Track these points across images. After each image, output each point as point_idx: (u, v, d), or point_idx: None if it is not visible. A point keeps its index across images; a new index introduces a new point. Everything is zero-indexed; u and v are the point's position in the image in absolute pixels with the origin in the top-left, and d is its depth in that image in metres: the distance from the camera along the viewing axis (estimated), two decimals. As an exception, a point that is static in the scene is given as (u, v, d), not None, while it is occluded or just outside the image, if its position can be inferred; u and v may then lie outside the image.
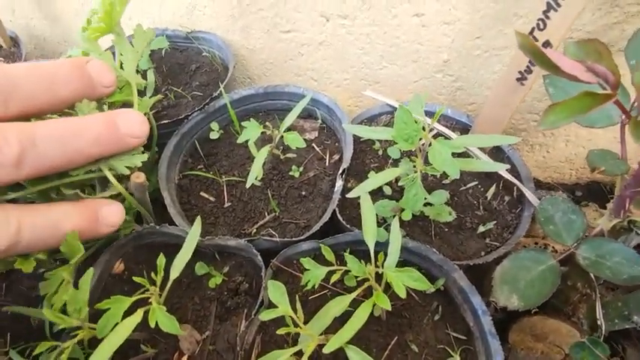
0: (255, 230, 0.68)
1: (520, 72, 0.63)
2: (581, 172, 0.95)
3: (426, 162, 0.56)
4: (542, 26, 0.57)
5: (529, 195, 0.66)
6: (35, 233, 0.31)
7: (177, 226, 0.66)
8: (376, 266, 0.49)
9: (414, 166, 0.58)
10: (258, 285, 0.63)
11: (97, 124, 0.32)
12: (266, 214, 0.70)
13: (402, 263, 0.56)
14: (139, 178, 0.54)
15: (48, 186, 0.46)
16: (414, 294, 0.60)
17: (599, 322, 0.61)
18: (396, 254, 0.49)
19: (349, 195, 0.59)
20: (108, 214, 0.39)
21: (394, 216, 0.63)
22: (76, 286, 0.49)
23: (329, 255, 0.53)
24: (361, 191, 0.58)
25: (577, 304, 0.70)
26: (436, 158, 0.53)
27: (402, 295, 0.45)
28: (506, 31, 0.72)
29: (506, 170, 0.71)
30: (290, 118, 0.69)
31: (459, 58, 0.80)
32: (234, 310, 0.62)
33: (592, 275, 0.62)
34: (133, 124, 0.35)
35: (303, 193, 0.72)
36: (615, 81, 0.40)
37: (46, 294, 0.49)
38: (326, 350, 0.44)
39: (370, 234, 0.52)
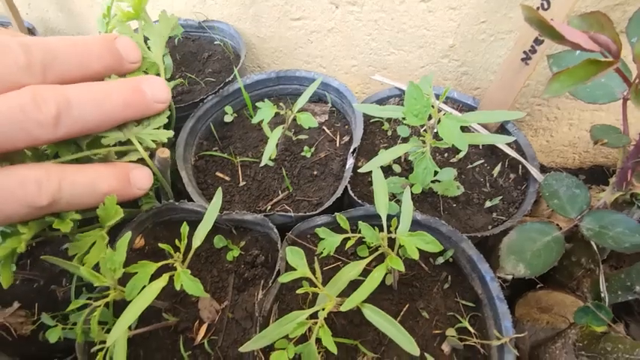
0: (269, 207, 0.71)
1: (525, 52, 0.66)
2: (584, 156, 0.97)
3: (435, 138, 0.59)
4: (546, 6, 0.60)
5: (534, 172, 0.69)
6: (75, 191, 0.32)
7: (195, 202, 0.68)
8: (389, 232, 0.52)
9: (424, 142, 0.60)
10: (273, 258, 0.65)
11: (126, 88, 0.34)
12: (280, 192, 0.73)
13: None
14: (164, 153, 0.57)
15: (78, 156, 0.49)
16: (423, 265, 0.63)
17: (602, 295, 0.64)
18: (408, 220, 0.51)
19: (361, 170, 0.61)
20: (139, 177, 0.40)
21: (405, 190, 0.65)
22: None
23: (344, 223, 0.55)
24: (373, 166, 0.60)
25: (581, 279, 0.72)
26: (445, 132, 0.56)
27: (415, 256, 0.48)
28: (511, 15, 0.74)
29: (512, 149, 0.73)
30: (302, 100, 0.71)
31: (464, 43, 0.82)
32: (252, 281, 0.65)
33: (596, 249, 0.64)
34: (157, 89, 0.37)
35: (315, 172, 0.75)
36: (617, 49, 0.42)
37: (75, 254, 0.52)
38: (343, 308, 0.47)
39: (382, 204, 0.55)
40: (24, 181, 0.29)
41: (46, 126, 0.27)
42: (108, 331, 0.55)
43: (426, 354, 0.55)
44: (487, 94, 0.75)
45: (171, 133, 0.53)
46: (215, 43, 0.98)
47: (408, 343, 0.43)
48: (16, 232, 0.49)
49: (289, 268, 0.52)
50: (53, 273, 0.71)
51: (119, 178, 0.36)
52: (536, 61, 0.65)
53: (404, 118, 0.59)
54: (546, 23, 0.41)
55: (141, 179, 0.40)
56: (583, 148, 0.95)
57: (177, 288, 0.50)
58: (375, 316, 0.47)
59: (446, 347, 0.56)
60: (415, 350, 0.43)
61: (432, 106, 0.58)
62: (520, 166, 0.72)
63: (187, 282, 0.50)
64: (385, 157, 0.61)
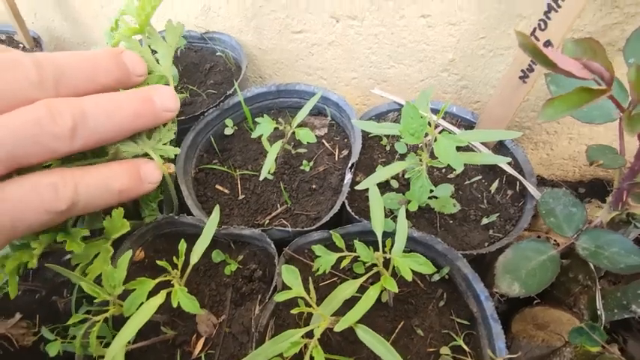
0: (267, 221, 0.71)
1: (523, 70, 0.66)
2: (584, 169, 0.97)
3: (432, 156, 0.59)
4: (543, 26, 0.60)
5: (531, 189, 0.69)
6: (90, 194, 0.31)
7: (194, 216, 0.69)
8: (384, 252, 0.52)
9: (420, 160, 0.61)
10: (271, 272, 0.66)
11: (136, 98, 0.34)
12: (278, 205, 0.73)
13: (408, 253, 0.59)
14: (170, 168, 0.58)
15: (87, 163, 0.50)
16: (419, 282, 0.63)
17: (599, 312, 0.64)
18: (403, 240, 0.52)
19: (358, 187, 0.62)
20: (148, 172, 0.40)
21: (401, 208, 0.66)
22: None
23: (339, 242, 0.56)
24: (369, 183, 0.61)
25: (578, 296, 0.72)
26: (441, 152, 0.56)
27: (409, 277, 0.48)
28: (510, 32, 0.74)
29: (510, 166, 0.74)
30: (301, 115, 0.72)
31: (464, 58, 0.83)
32: (249, 295, 0.65)
33: (592, 267, 0.64)
34: (166, 98, 0.37)
35: (314, 186, 0.75)
36: (609, 77, 0.42)
37: (78, 264, 0.53)
38: (337, 328, 0.47)
39: (378, 222, 0.55)
40: (40, 188, 0.28)
41: (62, 139, 0.27)
42: (107, 345, 0.56)
43: (420, 372, 0.56)
44: (486, 110, 0.76)
45: (177, 150, 0.54)
46: (217, 54, 0.99)
47: None
48: (26, 244, 0.50)
49: (286, 285, 0.53)
50: (55, 284, 0.72)
51: (131, 174, 0.36)
52: (534, 79, 0.65)
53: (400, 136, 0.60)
54: (539, 51, 0.41)
55: (151, 173, 0.40)
56: (583, 161, 0.95)
57: (175, 305, 0.51)
58: (368, 336, 0.47)
59: (440, 365, 0.57)
60: None
61: (429, 124, 0.58)
62: (518, 183, 0.72)
63: (184, 300, 0.51)
64: (382, 174, 0.62)
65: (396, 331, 0.59)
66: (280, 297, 0.51)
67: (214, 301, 0.65)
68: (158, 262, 0.54)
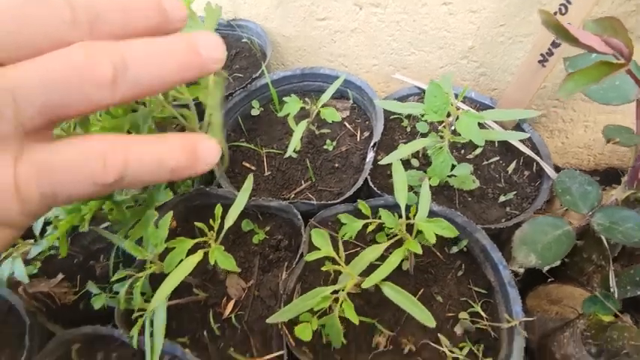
0: (293, 196, 0.75)
1: (542, 54, 0.69)
2: (599, 158, 0.99)
3: (453, 134, 0.62)
4: (564, 11, 0.63)
5: (548, 169, 0.72)
6: (141, 169, 0.27)
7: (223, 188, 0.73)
8: (407, 218, 0.56)
9: (442, 137, 0.64)
10: (296, 242, 0.70)
11: (180, 47, 0.29)
12: (302, 182, 0.77)
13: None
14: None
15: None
16: (438, 253, 0.66)
17: (611, 289, 0.66)
18: (426, 208, 0.55)
19: (382, 162, 0.65)
20: (206, 152, 0.34)
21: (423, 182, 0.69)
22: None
23: (365, 209, 0.59)
24: (393, 158, 0.64)
25: (591, 275, 0.74)
26: (463, 128, 0.59)
27: (432, 240, 0.51)
28: (530, 19, 0.77)
29: (527, 147, 0.76)
30: (326, 96, 0.76)
31: (483, 45, 0.85)
32: (276, 263, 0.69)
33: (606, 245, 0.67)
34: (213, 48, 0.31)
35: (336, 165, 0.79)
36: (628, 52, 0.45)
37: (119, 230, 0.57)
38: (365, 285, 0.51)
39: (402, 193, 0.59)
40: (88, 156, 0.25)
41: (103, 88, 0.24)
42: (146, 300, 0.60)
43: (439, 335, 0.59)
44: (504, 95, 0.78)
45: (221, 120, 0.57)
46: (242, 40, 1.03)
47: (425, 316, 0.47)
48: (77, 208, 0.54)
49: (312, 250, 0.57)
50: (91, 250, 0.76)
51: (188, 152, 0.31)
52: (553, 63, 0.68)
53: (423, 115, 0.63)
54: (562, 27, 0.44)
55: (209, 154, 0.33)
56: (598, 150, 0.97)
57: (212, 262, 0.55)
58: (394, 293, 0.50)
59: (458, 329, 0.60)
60: (432, 322, 0.47)
61: (451, 104, 0.61)
62: (534, 164, 0.75)
63: (220, 257, 0.55)
64: (405, 150, 0.65)
65: (417, 297, 0.62)
66: (310, 257, 0.54)
67: (243, 268, 0.69)
68: (196, 223, 0.58)
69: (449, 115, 0.62)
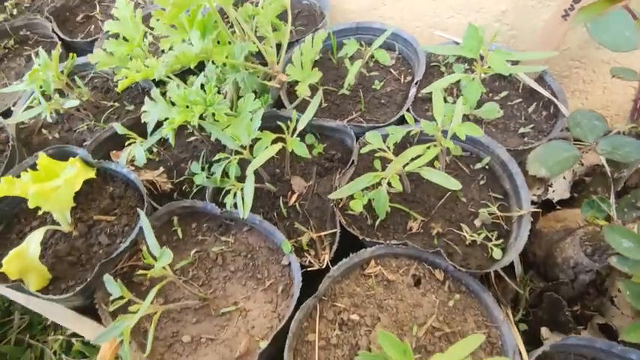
0: (345, 122, 0.91)
1: (565, 10, 0.82)
2: (615, 119, 1.11)
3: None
4: (584, -30, 0.76)
5: (563, 109, 0.85)
6: None
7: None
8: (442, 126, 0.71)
9: (474, 72, 0.78)
10: (348, 158, 0.86)
11: None
12: (353, 112, 0.93)
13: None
14: (284, 77, 0.80)
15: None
16: (464, 168, 0.81)
17: (611, 212, 0.79)
18: (460, 116, 0.70)
19: (424, 91, 0.80)
20: None
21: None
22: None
23: (410, 119, 0.75)
24: (434, 88, 0.79)
25: (596, 205, 0.87)
26: (494, 62, 0.74)
27: (462, 136, 0.66)
28: (558, -16, 0.90)
29: (548, 92, 0.89)
30: (378, 42, 0.91)
31: (515, 9, 0.99)
32: (330, 170, 0.86)
33: (610, 177, 0.79)
34: None
35: (382, 101, 0.94)
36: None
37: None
38: (408, 168, 0.66)
39: (439, 109, 0.74)
40: None
41: None
42: (238, 179, 0.77)
43: (461, 224, 0.74)
44: (531, 47, 0.92)
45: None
46: (303, 2, 1.19)
47: (453, 184, 0.62)
48: (188, 107, 0.72)
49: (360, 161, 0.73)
50: (179, 158, 0.95)
51: None
52: (573, 16, 0.81)
53: (459, 59, 0.77)
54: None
55: None
56: (615, 111, 1.09)
57: (289, 150, 0.72)
58: (430, 173, 0.66)
59: (477, 222, 0.74)
60: (457, 185, 0.62)
61: (484, 45, 0.76)
62: (552, 107, 0.88)
63: (297, 146, 0.72)
64: (444, 81, 0.79)
65: (445, 197, 0.77)
66: (365, 149, 0.71)
67: (304, 173, 0.86)
68: (279, 123, 0.75)
69: (482, 57, 0.77)
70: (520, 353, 0.61)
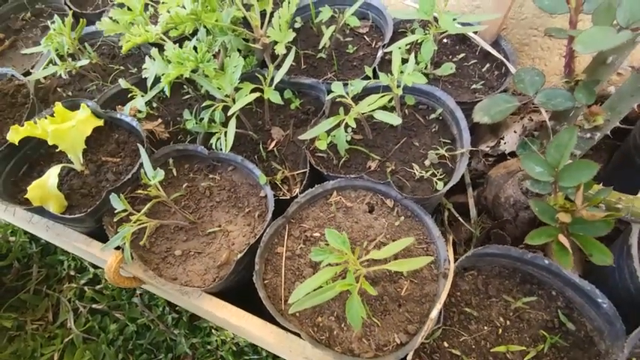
0: (321, 81, 1.03)
1: (513, -22, 0.92)
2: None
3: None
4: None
5: (511, 68, 0.96)
6: None
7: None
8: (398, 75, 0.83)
9: (428, 32, 0.90)
10: (321, 110, 0.98)
11: None
12: (329, 73, 1.05)
13: (416, 102, 0.90)
14: (265, 39, 0.92)
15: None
16: (420, 118, 0.93)
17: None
18: (412, 68, 0.81)
19: (386, 50, 0.92)
20: None
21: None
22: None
23: (369, 73, 0.87)
24: (394, 47, 0.90)
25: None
26: (444, 22, 0.85)
27: (409, 84, 0.78)
28: (512, -44, 1.00)
29: (501, 55, 1.00)
30: (352, 9, 1.03)
31: (479, -19, 1.09)
32: (305, 122, 0.98)
33: (549, 129, 0.90)
34: None
35: (355, 64, 1.06)
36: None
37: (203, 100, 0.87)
38: (361, 110, 0.78)
39: (396, 65, 0.85)
40: None
41: None
42: (222, 124, 0.90)
43: (413, 164, 0.86)
44: (485, 11, 1.02)
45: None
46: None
47: (395, 119, 0.75)
48: (181, 62, 0.84)
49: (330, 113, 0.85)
50: (176, 114, 1.08)
51: None
52: (520, -16, 0.92)
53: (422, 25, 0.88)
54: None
55: None
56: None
57: (266, 97, 0.85)
58: (380, 114, 0.78)
59: (427, 162, 0.87)
60: (398, 120, 0.74)
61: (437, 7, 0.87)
62: (503, 67, 0.99)
63: (271, 94, 0.85)
64: (403, 41, 0.91)
65: (401, 141, 0.89)
66: (330, 96, 0.83)
67: (282, 124, 0.99)
68: (256, 74, 0.88)
69: (436, 19, 0.88)
70: (449, 261, 0.74)
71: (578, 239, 0.64)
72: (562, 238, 0.63)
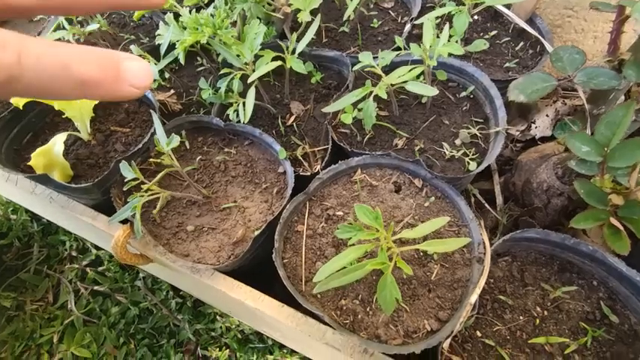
0: (344, 55, 0.98)
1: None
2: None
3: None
4: None
5: (548, 46, 0.90)
6: (39, 70, 0.24)
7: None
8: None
9: (463, 4, 0.84)
10: (343, 85, 0.93)
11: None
12: (352, 47, 0.99)
13: (446, 79, 0.85)
14: (287, 9, 0.86)
15: None
16: (450, 96, 0.88)
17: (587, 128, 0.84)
18: (445, 39, 0.76)
19: (417, 21, 0.86)
20: (132, 72, 0.28)
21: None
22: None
23: (399, 42, 0.81)
24: (425, 19, 0.85)
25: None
26: (481, -7, 0.79)
27: (445, 55, 0.72)
28: None
29: (536, 33, 0.94)
30: (378, -19, 0.97)
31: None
32: (326, 97, 0.93)
33: (587, 113, 0.84)
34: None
35: (379, 39, 1.00)
36: None
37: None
38: (394, 81, 0.73)
39: (428, 35, 0.80)
40: None
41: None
42: (240, 94, 0.85)
43: (443, 142, 0.81)
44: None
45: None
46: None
47: (430, 90, 0.69)
48: (197, 28, 0.78)
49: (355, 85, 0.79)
50: (188, 87, 1.03)
51: (103, 65, 0.27)
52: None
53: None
54: None
55: (137, 75, 0.28)
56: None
57: (288, 66, 0.79)
58: (413, 85, 0.72)
59: (458, 141, 0.81)
60: (434, 91, 0.68)
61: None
62: (539, 46, 0.93)
63: (294, 63, 0.79)
64: (435, 13, 0.85)
65: (430, 119, 0.84)
66: (356, 67, 0.77)
67: (302, 98, 0.93)
68: (279, 42, 0.82)
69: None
70: (484, 245, 0.68)
71: (632, 223, 0.59)
72: (614, 221, 0.58)
